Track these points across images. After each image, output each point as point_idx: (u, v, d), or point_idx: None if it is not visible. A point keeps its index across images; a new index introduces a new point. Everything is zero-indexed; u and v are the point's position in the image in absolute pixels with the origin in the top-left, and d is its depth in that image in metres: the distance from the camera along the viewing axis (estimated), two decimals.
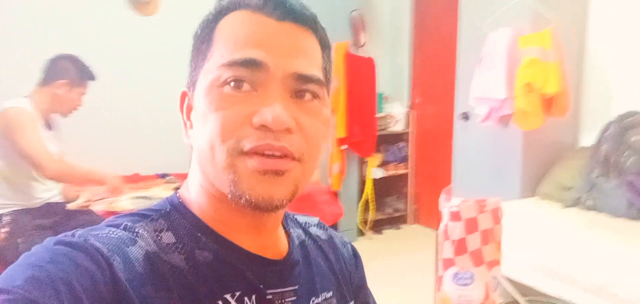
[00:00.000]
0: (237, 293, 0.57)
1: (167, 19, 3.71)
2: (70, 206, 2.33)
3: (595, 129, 2.82)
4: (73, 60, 2.33)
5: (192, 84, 0.60)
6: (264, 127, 0.53)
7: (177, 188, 0.66)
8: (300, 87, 0.57)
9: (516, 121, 2.78)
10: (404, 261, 3.70)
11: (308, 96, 0.57)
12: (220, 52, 0.56)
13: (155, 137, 3.77)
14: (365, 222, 4.32)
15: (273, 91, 0.54)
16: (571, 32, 2.98)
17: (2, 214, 2.18)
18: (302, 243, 0.70)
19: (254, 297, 0.58)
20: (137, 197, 2.89)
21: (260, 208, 0.55)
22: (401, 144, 4.60)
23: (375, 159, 4.31)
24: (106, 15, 3.52)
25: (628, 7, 2.86)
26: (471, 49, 3.12)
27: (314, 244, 0.73)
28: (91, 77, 2.36)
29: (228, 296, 0.57)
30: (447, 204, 1.29)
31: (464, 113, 3.25)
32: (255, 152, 0.54)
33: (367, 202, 4.26)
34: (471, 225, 1.29)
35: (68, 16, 3.36)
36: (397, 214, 4.59)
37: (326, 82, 0.61)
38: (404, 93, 4.69)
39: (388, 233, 4.48)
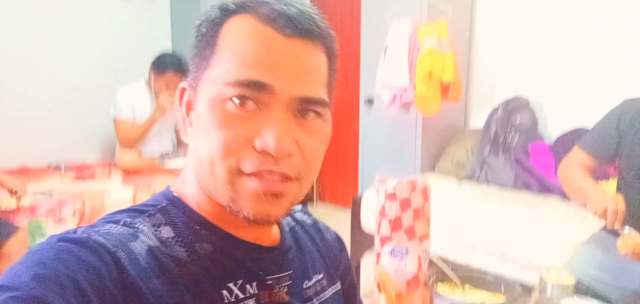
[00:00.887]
0: (240, 281, 0.60)
1: None
2: None
3: (482, 111, 3.16)
4: None
5: (194, 86, 0.59)
6: (265, 152, 0.53)
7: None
8: (304, 107, 0.57)
9: (418, 106, 3.00)
10: None
11: (311, 115, 0.58)
12: (226, 66, 0.55)
13: (43, 123, 3.44)
14: None
15: (276, 112, 0.54)
16: (460, 23, 3.28)
17: None
18: (292, 229, 0.73)
19: (255, 284, 0.61)
20: (35, 193, 2.64)
21: (258, 223, 0.57)
22: None
23: None
24: None
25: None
26: (374, 37, 3.29)
27: (302, 229, 0.76)
28: None
29: (231, 285, 0.59)
30: (383, 186, 1.38)
31: (369, 99, 3.42)
32: (255, 175, 0.54)
33: None
34: (405, 204, 1.39)
35: None
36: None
37: (330, 95, 0.62)
38: None
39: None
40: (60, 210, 2.45)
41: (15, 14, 3.26)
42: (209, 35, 0.58)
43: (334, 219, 4.06)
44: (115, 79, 3.45)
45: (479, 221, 2.38)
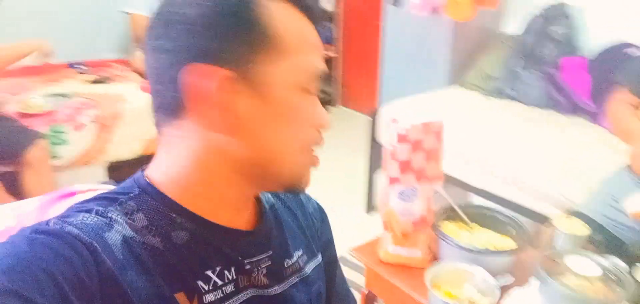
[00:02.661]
0: (218, 268, 0.59)
1: None
2: None
3: (520, 17, 2.91)
4: None
5: (243, 74, 0.54)
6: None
7: (142, 169, 0.62)
8: None
9: (448, 11, 2.80)
10: (334, 144, 3.79)
11: None
12: (304, 57, 0.58)
13: (62, 22, 3.40)
14: None
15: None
16: None
17: None
18: (272, 207, 0.71)
19: (233, 269, 0.60)
20: (53, 94, 2.67)
21: (298, 192, 0.68)
22: (328, 24, 4.50)
23: None
24: None
25: None
26: None
27: (283, 205, 0.74)
28: None
29: (209, 272, 0.58)
30: (395, 127, 1.32)
31: None
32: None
33: None
34: (417, 146, 1.33)
35: None
36: (326, 97, 4.62)
37: None
38: None
39: None
40: (79, 115, 2.47)
41: None
42: (248, 13, 0.54)
43: (354, 125, 4.01)
44: None
45: (499, 142, 2.29)
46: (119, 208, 0.56)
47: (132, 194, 0.58)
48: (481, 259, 1.27)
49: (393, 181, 1.36)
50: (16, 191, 2.14)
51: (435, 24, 3.00)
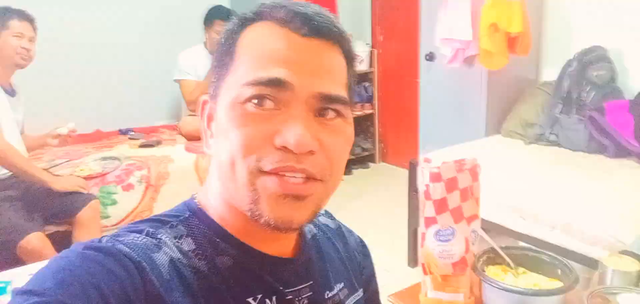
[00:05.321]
0: (259, 296, 0.59)
1: None
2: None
3: (556, 64, 2.90)
4: (8, 8, 2.21)
5: (214, 95, 0.59)
6: (285, 149, 0.52)
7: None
8: (324, 105, 0.56)
9: (481, 61, 2.82)
10: (375, 200, 3.81)
11: (331, 113, 0.56)
12: (244, 68, 0.55)
13: (114, 92, 3.64)
14: None
15: (296, 110, 0.53)
16: None
17: None
18: (314, 237, 0.71)
19: (274, 298, 0.60)
20: (104, 158, 2.82)
21: (279, 229, 0.55)
22: (366, 84, 4.60)
23: None
24: None
25: None
26: None
27: (324, 236, 0.74)
28: (26, 17, 2.23)
29: (250, 300, 0.58)
30: (428, 166, 1.32)
31: (429, 53, 3.26)
32: (275, 173, 0.53)
33: None
34: (451, 184, 1.32)
35: None
36: (365, 154, 4.65)
37: (350, 98, 0.60)
38: (365, 31, 4.63)
39: (357, 172, 4.56)
40: (128, 177, 2.60)
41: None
42: (227, 44, 0.58)
43: (394, 181, 4.00)
44: (176, 43, 3.53)
45: (544, 188, 2.23)
46: (169, 231, 0.58)
47: (182, 218, 0.60)
48: (528, 301, 1.22)
49: (429, 221, 1.35)
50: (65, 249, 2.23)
51: (470, 75, 3.01)
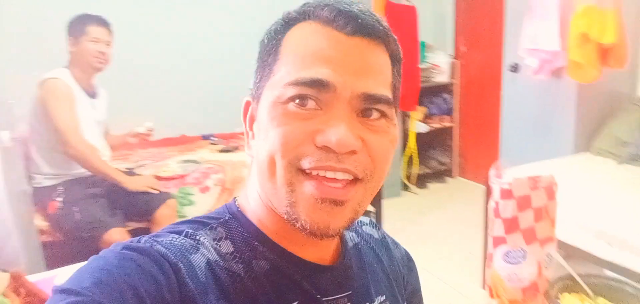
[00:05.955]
0: (295, 303, 0.58)
1: None
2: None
3: None
4: (86, 15, 2.33)
5: (257, 96, 0.59)
6: (326, 148, 0.51)
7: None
8: (368, 106, 0.54)
9: (570, 74, 2.63)
10: (450, 216, 3.67)
11: (375, 114, 0.55)
12: (287, 69, 0.54)
13: (199, 99, 3.82)
14: (408, 177, 4.28)
15: (339, 111, 0.52)
16: None
17: (56, 184, 2.27)
18: (355, 246, 0.69)
19: None
20: (186, 161, 2.97)
21: (316, 235, 0.53)
22: (446, 96, 4.47)
23: (418, 113, 4.23)
24: None
25: None
26: None
27: (367, 245, 0.72)
28: (102, 22, 2.34)
29: None
30: (497, 181, 1.25)
31: (514, 65, 3.10)
32: (315, 175, 0.52)
33: (411, 156, 4.21)
34: (524, 202, 1.24)
35: None
36: (442, 168, 4.52)
37: (395, 99, 0.58)
38: (448, 41, 4.51)
39: (433, 186, 4.44)
40: (205, 179, 2.71)
41: (167, 6, 3.62)
42: (271, 45, 0.58)
43: (471, 197, 3.83)
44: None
45: (636, 212, 2.02)
46: (208, 233, 0.58)
47: (222, 220, 0.60)
48: None
49: (498, 241, 1.27)
50: None
51: (557, 88, 2.83)
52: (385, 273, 0.71)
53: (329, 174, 0.52)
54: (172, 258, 0.52)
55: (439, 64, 4.37)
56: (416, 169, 4.27)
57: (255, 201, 0.60)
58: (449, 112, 4.48)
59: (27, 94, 2.29)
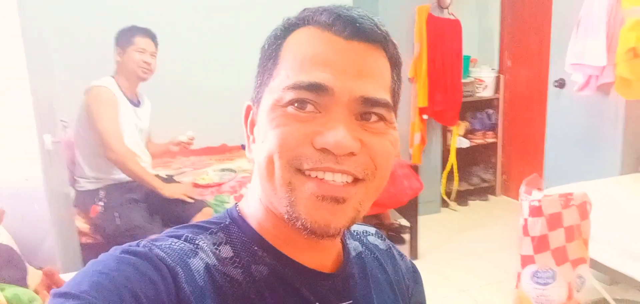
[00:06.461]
0: None
1: None
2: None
3: None
4: (134, 27, 2.43)
5: (257, 100, 0.60)
6: (325, 150, 0.52)
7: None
8: (366, 109, 0.55)
9: (618, 90, 2.51)
10: (490, 234, 3.55)
11: (374, 117, 0.55)
12: (286, 73, 0.55)
13: (240, 109, 3.90)
14: (449, 193, 4.19)
15: (337, 114, 0.53)
16: None
17: (98, 188, 2.37)
18: (358, 255, 0.68)
19: None
20: (223, 169, 3.04)
21: (316, 234, 0.53)
22: (490, 111, 4.36)
23: (460, 128, 4.14)
24: None
25: None
26: (568, 9, 2.84)
27: (371, 255, 0.71)
28: (148, 34, 2.44)
29: None
30: (528, 198, 1.20)
31: (559, 80, 2.99)
32: (314, 176, 0.53)
33: (451, 172, 4.12)
34: (554, 221, 1.19)
35: None
36: (484, 185, 4.39)
37: (394, 103, 0.59)
38: (493, 56, 4.40)
39: (474, 204, 4.32)
40: (240, 188, 2.76)
41: (211, 18, 3.73)
42: (271, 50, 0.59)
43: (515, 216, 3.68)
44: None
45: None
46: (208, 237, 0.58)
47: (222, 225, 0.61)
48: None
49: (526, 260, 1.23)
50: None
51: (604, 105, 2.70)
52: (390, 284, 0.70)
53: (328, 176, 0.52)
54: (170, 262, 0.52)
55: (484, 78, 4.27)
56: (456, 186, 4.17)
57: (256, 205, 0.61)
58: (492, 127, 4.37)
59: (71, 100, 2.42)
